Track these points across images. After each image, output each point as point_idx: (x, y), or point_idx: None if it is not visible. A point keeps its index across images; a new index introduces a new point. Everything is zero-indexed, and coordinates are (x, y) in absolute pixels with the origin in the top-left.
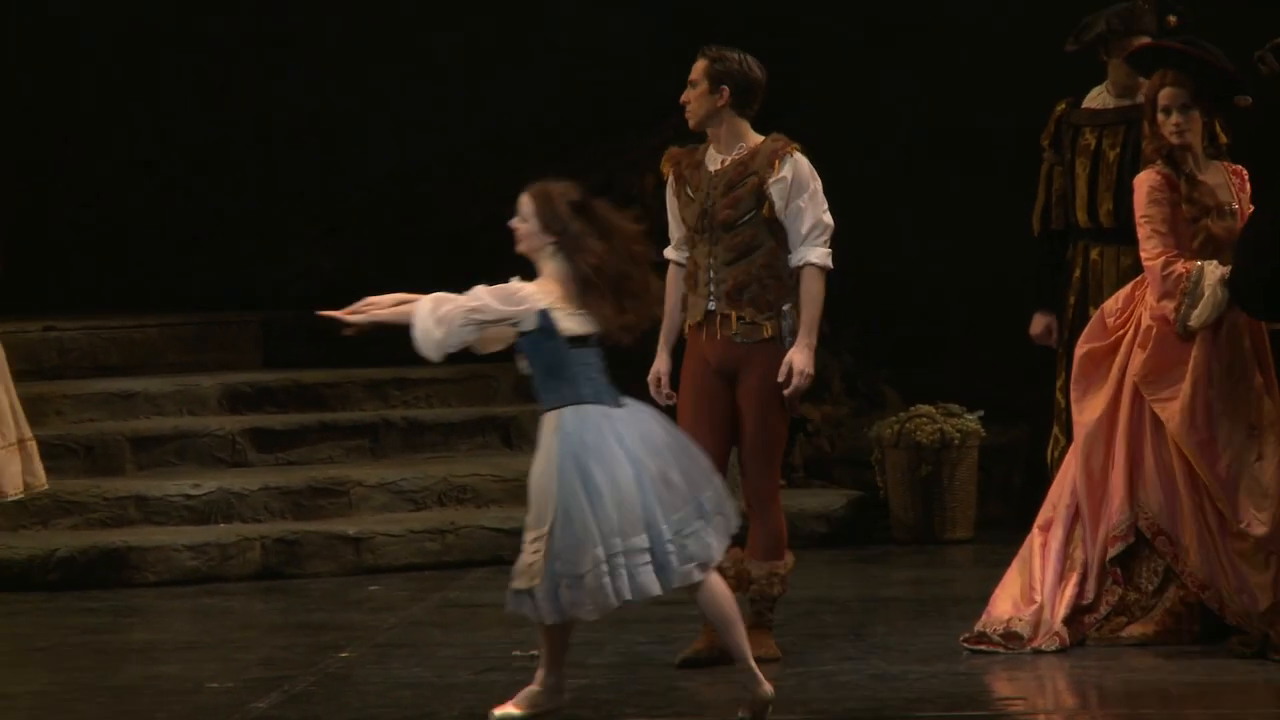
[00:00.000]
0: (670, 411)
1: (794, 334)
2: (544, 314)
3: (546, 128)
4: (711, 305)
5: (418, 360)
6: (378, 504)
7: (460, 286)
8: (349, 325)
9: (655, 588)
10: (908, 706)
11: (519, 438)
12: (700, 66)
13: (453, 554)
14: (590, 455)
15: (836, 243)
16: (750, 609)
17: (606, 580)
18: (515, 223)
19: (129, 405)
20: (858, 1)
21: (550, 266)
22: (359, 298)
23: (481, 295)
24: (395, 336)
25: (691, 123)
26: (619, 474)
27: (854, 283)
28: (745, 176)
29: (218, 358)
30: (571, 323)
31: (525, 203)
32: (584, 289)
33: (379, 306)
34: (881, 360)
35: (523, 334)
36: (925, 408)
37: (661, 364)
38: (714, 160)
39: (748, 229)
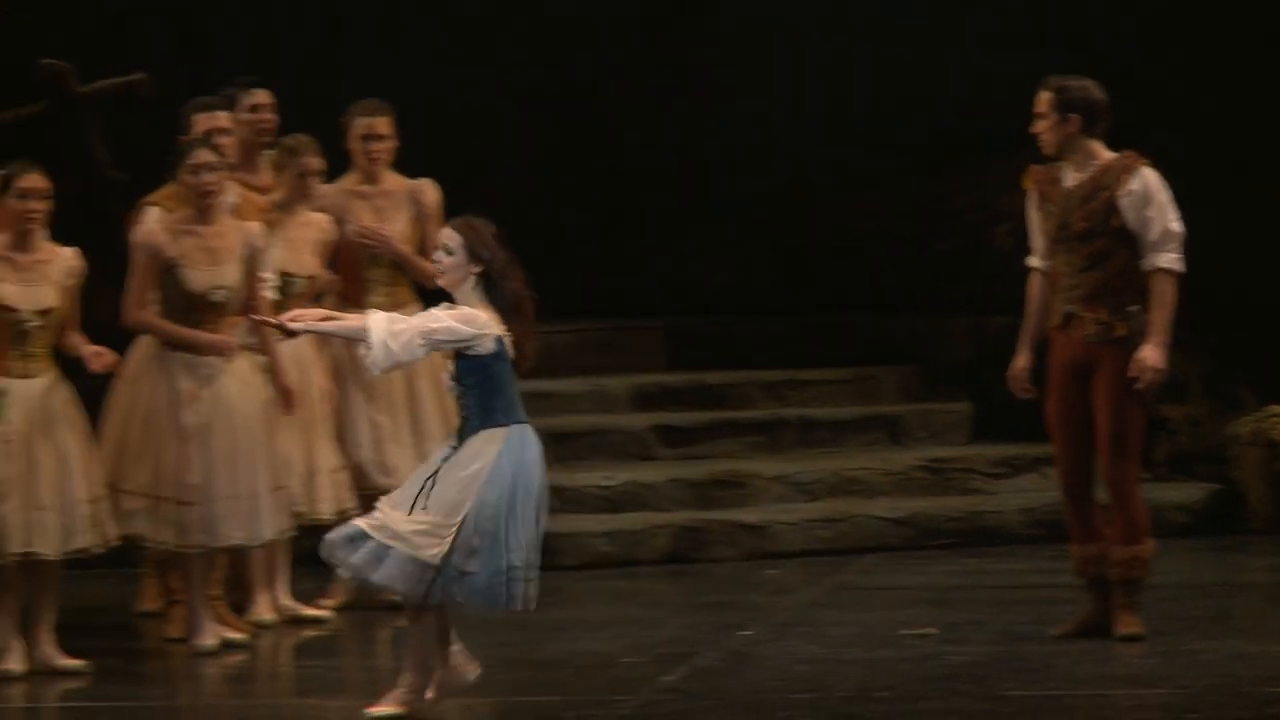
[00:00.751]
0: (1030, 405)
1: (1143, 333)
2: (499, 339)
3: (923, 146)
4: (1070, 308)
5: (812, 363)
6: (774, 495)
7: (841, 299)
8: (287, 332)
9: (534, 602)
10: (1265, 682)
11: (904, 435)
12: (1046, 99)
13: (843, 541)
14: (524, 476)
15: (1196, 252)
16: (1115, 591)
17: (503, 588)
18: (440, 256)
19: (547, 404)
20: (1205, 27)
21: (474, 296)
22: (752, 306)
23: (443, 318)
24: (789, 341)
25: (1047, 151)
26: (537, 497)
27: (1215, 291)
28: (1098, 191)
29: (627, 361)
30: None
31: (451, 236)
32: (508, 315)
33: (310, 318)
34: (1238, 363)
35: (473, 357)
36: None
37: (1023, 361)
38: (1070, 177)
39: (1101, 238)
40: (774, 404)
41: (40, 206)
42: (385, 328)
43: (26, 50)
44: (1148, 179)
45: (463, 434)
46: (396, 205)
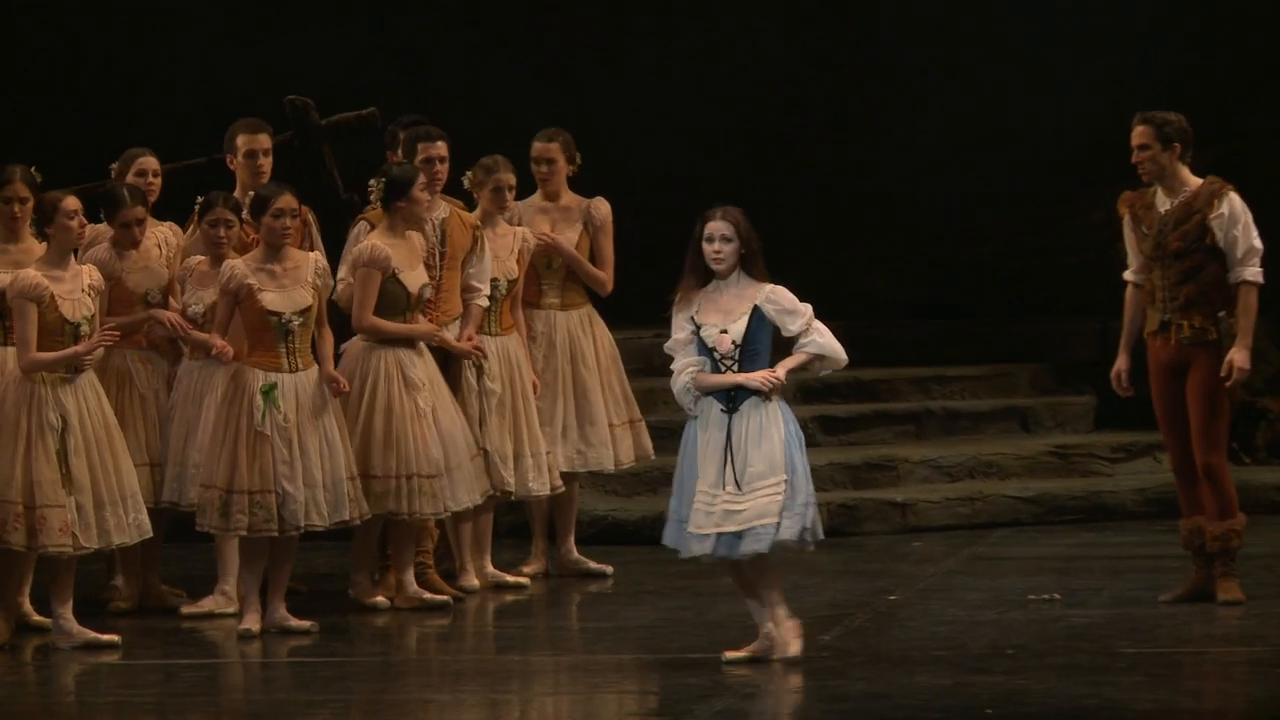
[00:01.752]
0: (1146, 398)
1: (1230, 336)
2: None
3: (1055, 171)
4: (1166, 316)
5: (955, 360)
6: (920, 477)
7: (982, 305)
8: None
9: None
10: None
11: (1035, 424)
12: (1148, 132)
13: (980, 517)
14: (796, 422)
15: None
16: (1214, 561)
17: (816, 523)
18: (719, 245)
19: None
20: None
21: (743, 275)
22: (904, 311)
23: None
24: (936, 342)
25: (1149, 178)
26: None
27: None
28: (1191, 214)
29: None
30: None
31: (725, 227)
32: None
33: (783, 367)
34: None
35: (770, 324)
36: None
37: (1123, 363)
38: (1163, 202)
39: (1195, 255)
40: (921, 397)
41: (292, 224)
42: (835, 343)
43: (275, 88)
44: (1234, 202)
45: (738, 396)
46: (571, 219)
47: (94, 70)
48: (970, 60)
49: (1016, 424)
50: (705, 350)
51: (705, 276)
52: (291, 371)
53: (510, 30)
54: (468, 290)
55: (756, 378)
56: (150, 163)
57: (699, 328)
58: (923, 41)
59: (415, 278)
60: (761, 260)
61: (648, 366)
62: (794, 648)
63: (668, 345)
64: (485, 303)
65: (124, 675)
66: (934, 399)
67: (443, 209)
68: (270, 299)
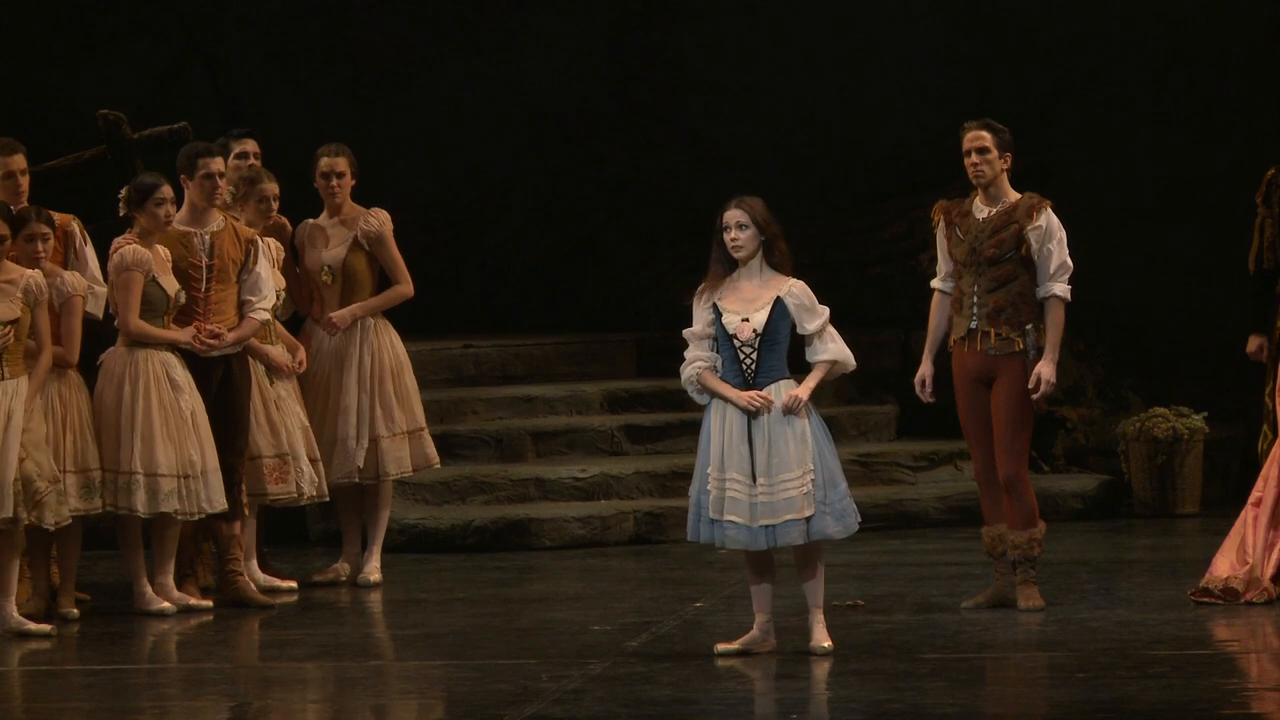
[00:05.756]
0: (947, 407)
1: (1036, 348)
2: None
3: (860, 184)
4: (974, 324)
5: None
6: None
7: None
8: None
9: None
10: (1146, 646)
11: (839, 432)
12: (990, 139)
13: None
14: (820, 421)
15: (1092, 279)
16: (1015, 569)
17: (851, 512)
18: (736, 233)
19: (530, 406)
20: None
21: (763, 261)
22: None
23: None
24: None
25: (982, 183)
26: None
27: (1108, 310)
28: (1009, 224)
29: (601, 369)
30: None
31: (740, 215)
32: (785, 271)
33: (807, 389)
34: (1127, 371)
35: (788, 318)
36: (1161, 409)
37: (927, 369)
38: (981, 210)
39: (1008, 264)
40: None
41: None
42: (845, 348)
43: (89, 102)
44: (1051, 217)
45: (759, 386)
46: (349, 233)
47: None
48: (775, 76)
49: None
50: (725, 337)
51: (729, 267)
52: None
53: (319, 45)
54: (243, 303)
55: (744, 399)
56: None
57: (720, 315)
58: (727, 57)
59: (170, 283)
60: (782, 244)
61: (457, 377)
62: (825, 641)
63: (686, 332)
64: (263, 315)
65: None
66: None
67: (218, 221)
68: None
